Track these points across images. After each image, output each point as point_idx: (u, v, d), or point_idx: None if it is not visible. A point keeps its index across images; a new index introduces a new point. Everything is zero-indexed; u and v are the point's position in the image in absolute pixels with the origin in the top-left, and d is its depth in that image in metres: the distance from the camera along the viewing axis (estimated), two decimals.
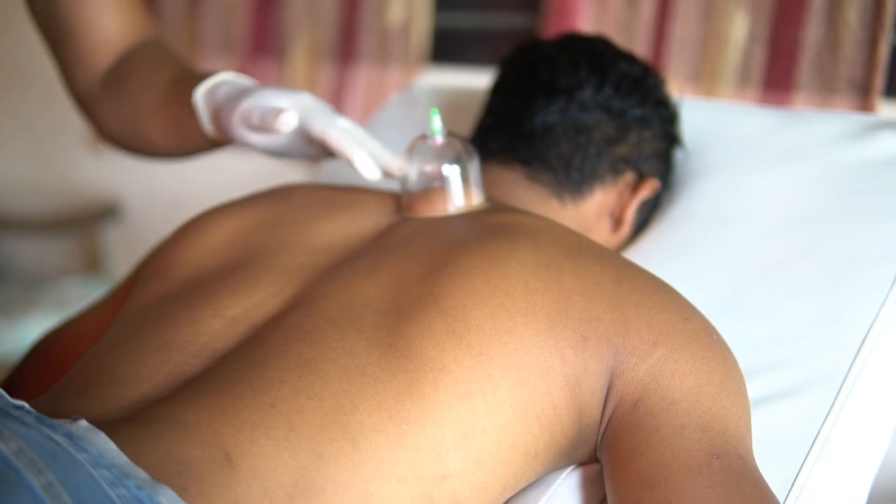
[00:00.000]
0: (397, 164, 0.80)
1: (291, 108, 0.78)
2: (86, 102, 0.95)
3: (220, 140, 0.87)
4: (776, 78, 1.37)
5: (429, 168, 0.77)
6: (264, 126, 0.77)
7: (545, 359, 0.61)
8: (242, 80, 0.84)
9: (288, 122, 0.76)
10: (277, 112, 0.76)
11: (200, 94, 0.84)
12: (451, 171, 0.77)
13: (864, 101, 1.29)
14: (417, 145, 0.79)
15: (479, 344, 0.61)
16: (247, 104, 0.79)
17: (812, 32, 1.32)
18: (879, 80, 1.26)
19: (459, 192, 0.77)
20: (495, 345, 0.61)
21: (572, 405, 0.62)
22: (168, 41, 0.98)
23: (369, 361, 0.60)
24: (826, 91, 1.31)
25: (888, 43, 1.25)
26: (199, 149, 0.91)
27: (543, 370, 0.61)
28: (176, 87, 0.88)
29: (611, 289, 0.65)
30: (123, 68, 0.91)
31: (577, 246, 0.69)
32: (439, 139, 0.79)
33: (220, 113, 0.82)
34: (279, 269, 0.72)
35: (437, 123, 0.78)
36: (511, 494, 0.63)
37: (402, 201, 0.80)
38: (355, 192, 0.83)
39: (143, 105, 0.89)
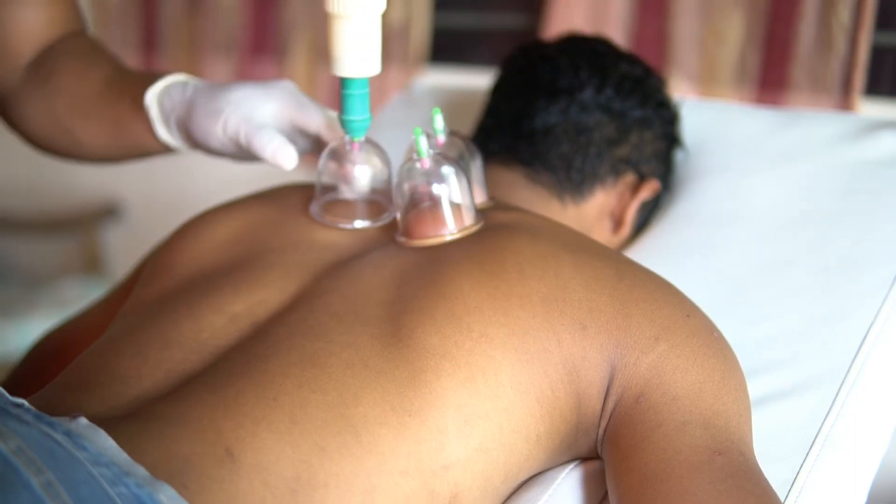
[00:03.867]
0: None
1: (287, 143, 0.75)
2: (3, 97, 0.88)
3: (171, 146, 0.82)
4: (772, 78, 1.37)
5: (420, 189, 0.72)
6: (260, 155, 0.75)
7: (542, 341, 0.62)
8: (196, 81, 0.80)
9: (291, 161, 0.74)
10: (276, 144, 0.73)
11: (152, 95, 0.79)
12: (442, 192, 0.72)
13: (844, 99, 1.29)
14: (409, 167, 0.73)
15: (479, 325, 0.62)
16: (232, 118, 0.75)
17: (805, 32, 1.32)
18: (859, 78, 1.27)
19: (451, 216, 0.72)
20: (494, 325, 0.62)
21: (570, 390, 0.62)
22: (97, 37, 0.91)
23: (372, 353, 0.60)
24: (817, 90, 1.32)
25: (868, 42, 1.26)
26: (139, 153, 0.86)
27: (541, 351, 0.62)
28: (116, 84, 0.82)
29: (612, 283, 0.65)
30: (51, 60, 0.85)
31: (577, 243, 0.70)
32: (441, 138, 0.79)
33: (185, 120, 0.77)
34: (284, 266, 0.72)
35: (438, 123, 0.79)
36: (513, 485, 0.63)
37: (397, 224, 0.75)
38: None
39: (75, 100, 0.84)
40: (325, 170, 0.75)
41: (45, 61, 0.85)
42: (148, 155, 0.86)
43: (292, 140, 0.80)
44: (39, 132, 0.87)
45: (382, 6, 0.69)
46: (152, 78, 0.80)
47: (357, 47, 0.68)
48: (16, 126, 0.89)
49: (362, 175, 0.75)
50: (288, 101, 0.78)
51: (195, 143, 0.80)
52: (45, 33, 0.86)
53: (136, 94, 0.80)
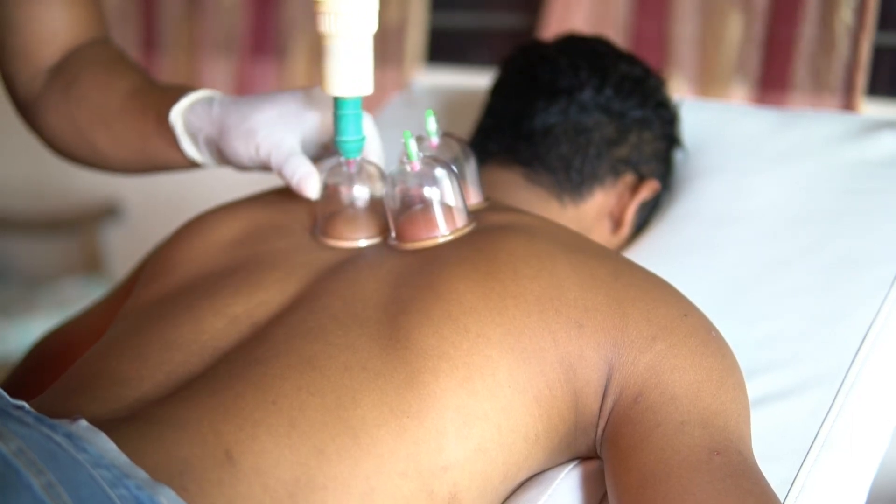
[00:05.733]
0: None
1: (313, 173, 0.75)
2: (26, 102, 0.88)
3: (198, 162, 0.82)
4: (774, 78, 1.37)
5: (412, 191, 0.73)
6: (288, 183, 0.76)
7: (538, 340, 0.62)
8: (220, 96, 0.80)
9: (314, 191, 0.75)
10: (301, 173, 0.74)
11: (177, 114, 0.79)
12: (433, 195, 0.72)
13: (846, 100, 1.29)
14: (399, 170, 0.74)
15: (475, 326, 0.62)
16: (264, 144, 0.75)
17: (806, 32, 1.32)
18: (862, 78, 1.27)
19: (442, 218, 0.72)
20: (490, 325, 0.62)
21: (567, 389, 0.62)
22: (117, 43, 0.91)
23: (370, 356, 0.61)
24: (819, 91, 1.32)
25: (870, 42, 1.26)
26: (163, 167, 0.85)
27: (537, 350, 0.62)
28: (140, 98, 0.82)
29: (608, 282, 0.65)
30: (73, 68, 0.85)
31: (574, 243, 0.70)
32: (435, 141, 0.79)
33: (216, 140, 0.78)
34: (284, 267, 0.72)
35: (431, 125, 0.78)
36: (512, 485, 0.63)
37: (389, 226, 0.76)
38: None
39: (98, 111, 0.83)
40: (323, 189, 0.76)
41: (67, 69, 0.85)
42: (173, 169, 0.86)
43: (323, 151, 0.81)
44: (61, 140, 0.87)
45: (374, 26, 0.69)
46: (176, 93, 0.80)
47: (349, 67, 0.69)
48: (38, 132, 0.89)
49: (360, 193, 0.76)
50: (316, 122, 0.78)
51: (225, 161, 0.80)
52: (66, 36, 0.85)
53: (161, 111, 0.80)
